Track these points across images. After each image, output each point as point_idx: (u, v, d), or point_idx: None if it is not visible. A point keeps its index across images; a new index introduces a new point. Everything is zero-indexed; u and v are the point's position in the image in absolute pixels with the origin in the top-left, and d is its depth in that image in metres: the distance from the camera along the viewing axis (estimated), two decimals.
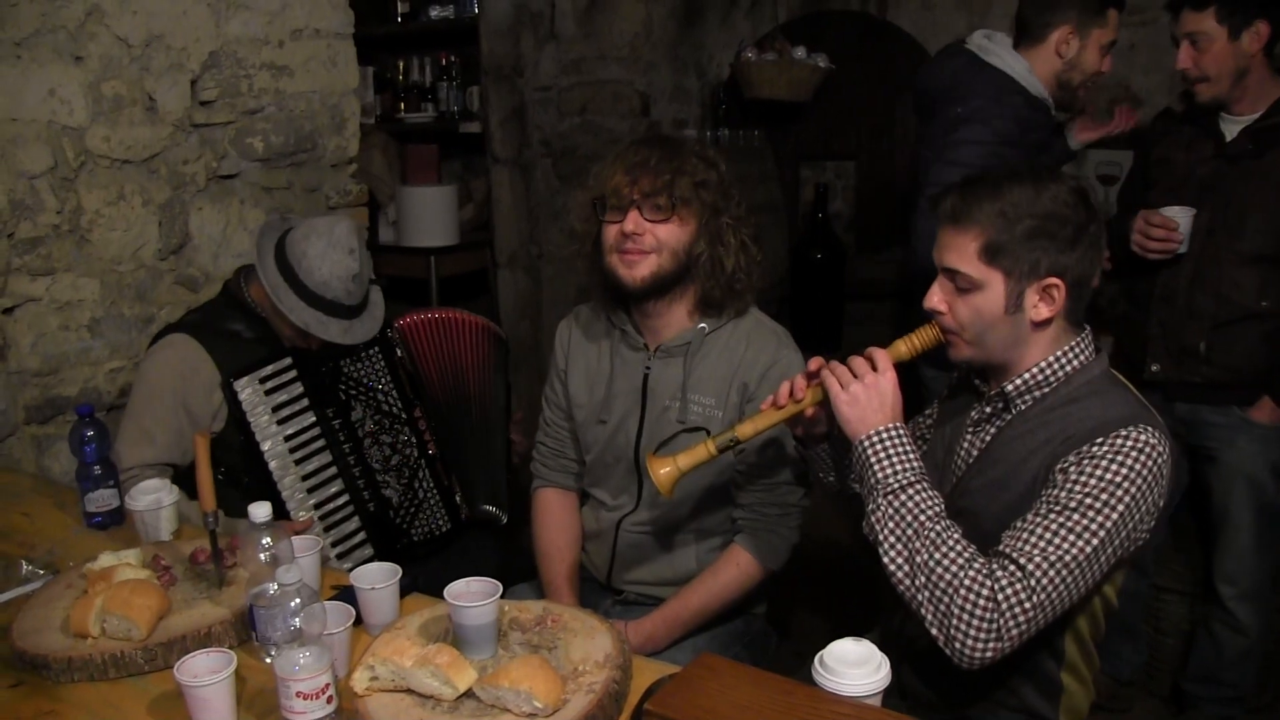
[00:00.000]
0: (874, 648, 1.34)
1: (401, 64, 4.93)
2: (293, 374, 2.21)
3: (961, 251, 1.57)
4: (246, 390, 2.14)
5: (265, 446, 2.16)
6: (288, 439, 2.19)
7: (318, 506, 2.23)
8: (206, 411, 2.14)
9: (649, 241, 1.93)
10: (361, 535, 2.29)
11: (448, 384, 2.45)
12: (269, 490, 2.15)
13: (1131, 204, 2.59)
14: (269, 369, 2.18)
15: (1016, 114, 2.49)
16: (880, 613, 1.97)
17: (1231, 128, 2.42)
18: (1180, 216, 2.40)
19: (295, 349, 2.22)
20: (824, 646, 1.35)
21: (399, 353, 2.37)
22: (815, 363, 1.68)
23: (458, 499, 2.43)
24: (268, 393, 2.17)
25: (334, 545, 2.23)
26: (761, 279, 2.04)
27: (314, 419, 2.23)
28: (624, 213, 1.93)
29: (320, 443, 2.24)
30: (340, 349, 2.25)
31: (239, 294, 2.25)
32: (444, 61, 4.82)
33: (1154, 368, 2.52)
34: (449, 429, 2.44)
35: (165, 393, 2.13)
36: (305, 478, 2.21)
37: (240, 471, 2.18)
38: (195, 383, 2.14)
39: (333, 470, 2.25)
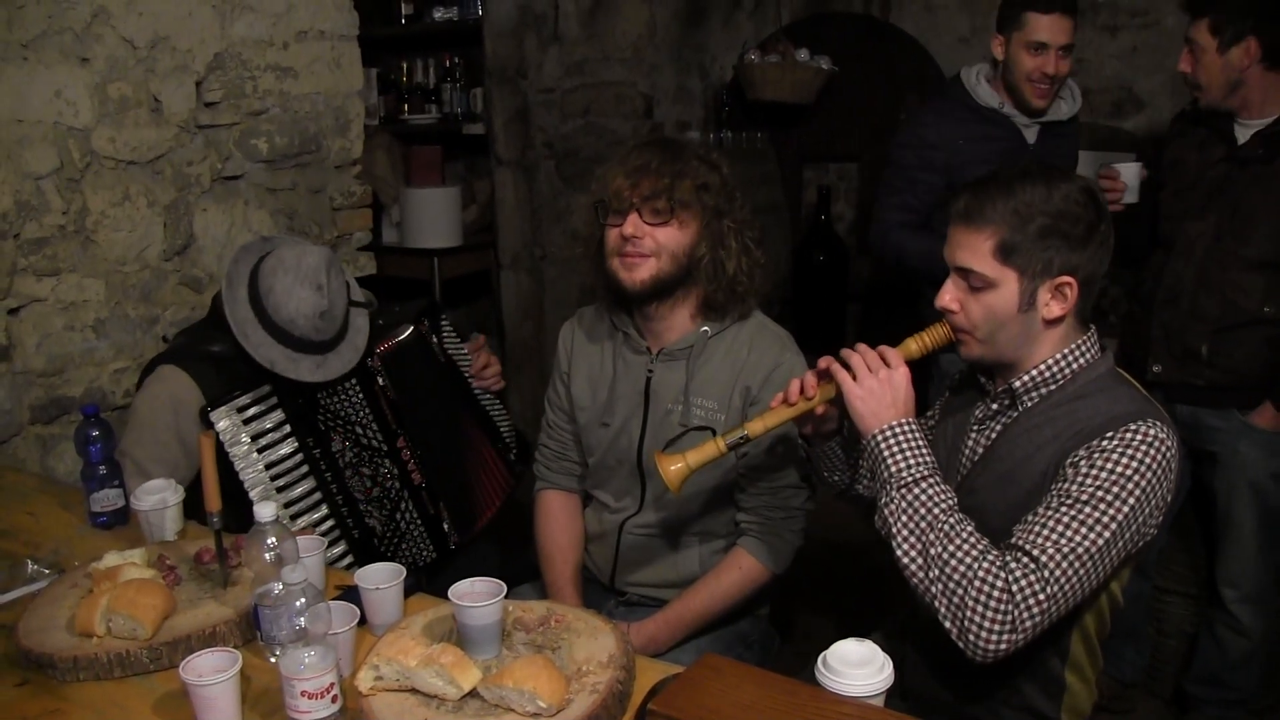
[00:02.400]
0: (876, 648, 1.35)
1: (405, 65, 4.94)
2: (273, 401, 2.13)
3: (975, 250, 1.58)
4: (224, 420, 2.08)
5: (246, 477, 2.11)
6: (269, 466, 2.13)
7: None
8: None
9: (649, 245, 1.93)
10: (349, 560, 2.24)
11: (424, 405, 2.34)
12: (250, 517, 2.11)
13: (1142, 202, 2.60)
14: (247, 398, 2.11)
15: (940, 122, 2.78)
16: (883, 613, 1.97)
17: (1244, 131, 2.42)
18: (1129, 173, 2.56)
19: (276, 375, 2.11)
20: (826, 647, 1.35)
21: (380, 381, 2.23)
22: (825, 361, 1.69)
23: (446, 527, 2.35)
24: (246, 422, 2.11)
25: None
26: (765, 282, 2.04)
27: (295, 446, 2.17)
28: (624, 216, 1.94)
29: (304, 469, 2.18)
30: (317, 381, 2.15)
31: (224, 311, 2.13)
32: (448, 63, 4.83)
33: (1155, 369, 2.52)
34: (439, 452, 2.35)
35: (159, 428, 2.10)
36: (288, 504, 2.16)
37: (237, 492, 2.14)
38: (186, 415, 2.09)
39: (317, 496, 2.20)
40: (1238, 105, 2.40)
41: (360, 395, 2.22)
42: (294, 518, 2.17)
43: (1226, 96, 2.39)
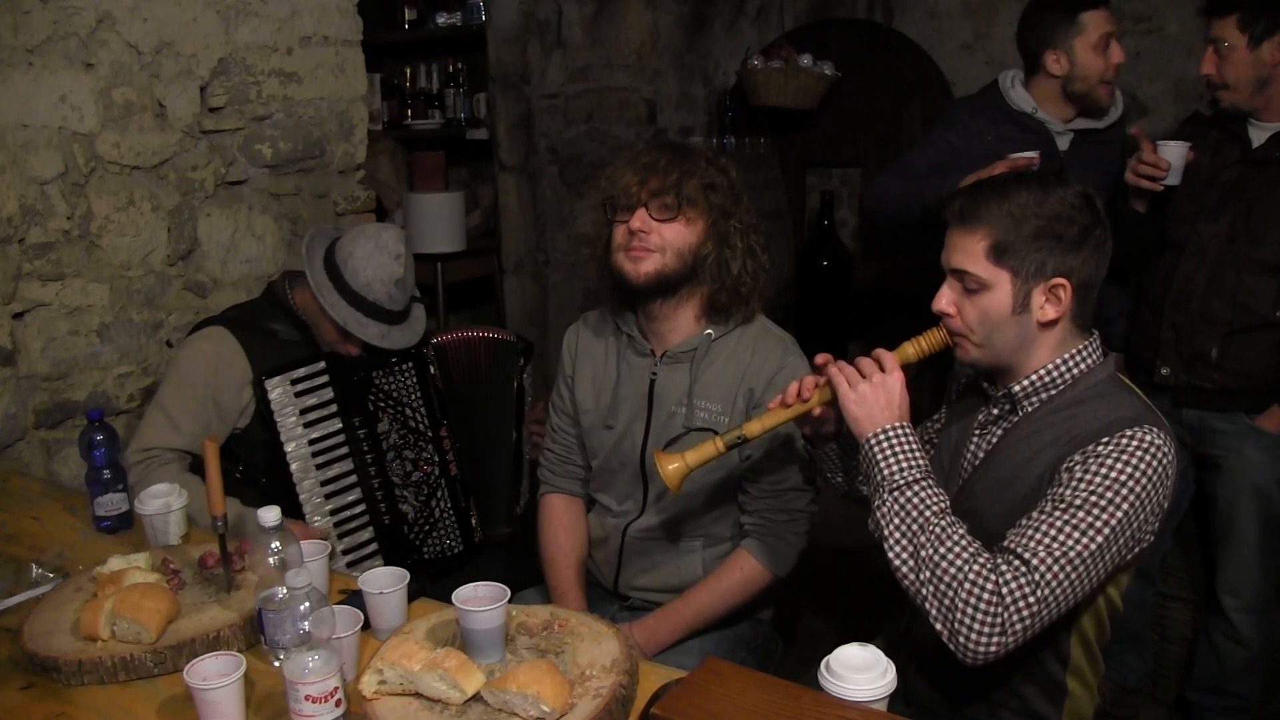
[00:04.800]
0: (880, 653, 1.35)
1: (409, 71, 4.96)
2: (325, 379, 2.22)
3: (969, 252, 1.59)
4: (277, 390, 2.15)
5: (289, 448, 2.17)
6: (312, 442, 2.20)
7: (334, 513, 2.23)
8: (235, 407, 2.16)
9: (655, 240, 1.95)
10: (374, 546, 2.30)
11: (472, 405, 2.45)
12: (287, 492, 2.16)
13: (1157, 207, 2.56)
14: (302, 371, 2.19)
15: (972, 118, 2.76)
16: (885, 617, 1.97)
17: (1259, 134, 2.41)
18: (1172, 151, 2.42)
19: (331, 354, 2.23)
20: (829, 652, 1.35)
21: (432, 370, 2.37)
22: (822, 358, 1.70)
23: (473, 522, 2.43)
24: (298, 394, 2.18)
25: (345, 553, 2.24)
26: (769, 286, 2.05)
27: (340, 425, 2.23)
28: (632, 211, 1.96)
29: (343, 450, 2.24)
30: (374, 360, 2.26)
31: (283, 297, 2.27)
32: (451, 68, 4.85)
33: (1164, 371, 2.51)
34: (474, 451, 2.44)
35: (197, 384, 2.15)
36: (325, 483, 2.22)
37: (259, 471, 2.19)
38: (228, 377, 2.16)
39: (353, 479, 2.26)
40: (1261, 105, 2.38)
41: (414, 377, 2.33)
42: (328, 497, 2.22)
43: (1252, 95, 2.37)
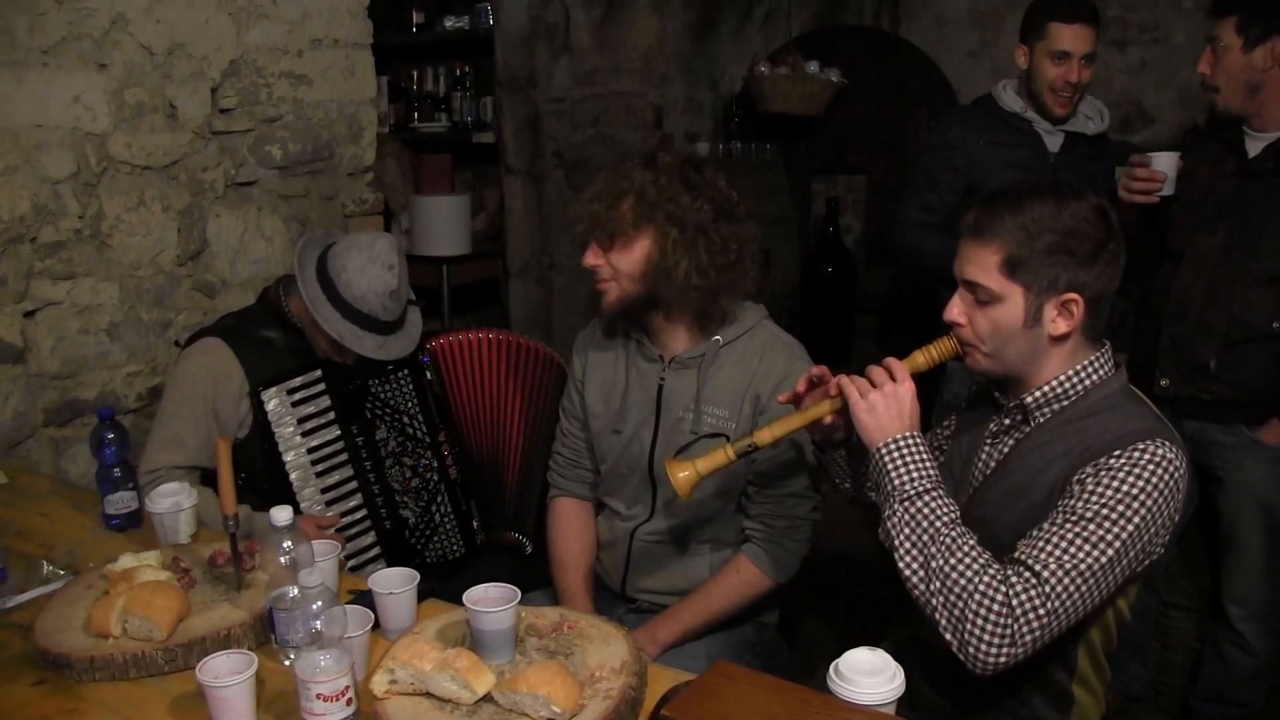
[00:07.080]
0: (888, 657, 1.35)
1: (416, 74, 4.98)
2: (321, 387, 2.21)
3: (982, 264, 1.59)
4: (273, 401, 2.15)
5: (288, 457, 2.17)
6: (310, 451, 2.20)
7: None
8: (234, 418, 2.16)
9: (606, 270, 1.98)
10: (376, 550, 2.30)
11: (480, 407, 2.44)
12: (288, 500, 2.16)
13: (1151, 216, 2.54)
14: (298, 380, 2.19)
15: (964, 126, 2.88)
16: (889, 623, 1.98)
17: (1255, 144, 2.40)
18: (1165, 162, 2.42)
19: (327, 362, 2.23)
20: (831, 657, 1.36)
21: (428, 375, 2.37)
22: (819, 370, 1.72)
23: (475, 524, 2.43)
24: (295, 404, 2.18)
25: (348, 558, 2.24)
26: (735, 276, 1.99)
27: (338, 433, 2.23)
28: (587, 248, 2.00)
29: (343, 457, 2.24)
30: (370, 368, 2.25)
31: (277, 303, 2.24)
32: (458, 72, 4.86)
33: (1163, 383, 2.50)
34: (477, 453, 2.44)
35: (197, 398, 2.15)
36: (325, 490, 2.22)
37: (260, 479, 2.19)
38: (226, 389, 2.15)
39: (353, 485, 2.26)
40: (1254, 111, 2.38)
41: (410, 385, 2.33)
42: (329, 504, 2.23)
43: (1245, 101, 2.37)
